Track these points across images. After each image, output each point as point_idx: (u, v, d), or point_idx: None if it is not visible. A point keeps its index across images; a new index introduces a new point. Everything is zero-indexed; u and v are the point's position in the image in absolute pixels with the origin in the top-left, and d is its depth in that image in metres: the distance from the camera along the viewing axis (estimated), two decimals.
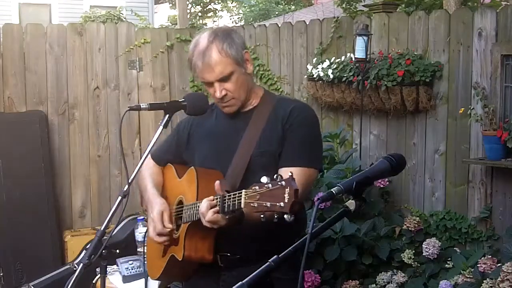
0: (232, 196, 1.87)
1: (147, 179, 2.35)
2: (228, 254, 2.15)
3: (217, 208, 1.93)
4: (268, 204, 1.70)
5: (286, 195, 1.67)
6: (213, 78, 2.12)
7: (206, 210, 1.94)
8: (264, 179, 1.72)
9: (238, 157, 2.14)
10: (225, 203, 1.90)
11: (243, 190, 1.80)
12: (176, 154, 2.38)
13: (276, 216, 1.69)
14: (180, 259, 2.12)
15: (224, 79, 2.13)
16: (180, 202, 2.22)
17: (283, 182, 1.69)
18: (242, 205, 1.78)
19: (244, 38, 5.22)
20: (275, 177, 1.72)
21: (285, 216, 1.66)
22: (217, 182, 1.97)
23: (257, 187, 1.73)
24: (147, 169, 2.39)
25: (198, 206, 2.01)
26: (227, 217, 1.92)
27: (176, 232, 2.20)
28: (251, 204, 1.74)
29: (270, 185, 1.71)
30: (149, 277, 2.44)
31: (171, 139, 2.43)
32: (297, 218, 2.08)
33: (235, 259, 2.15)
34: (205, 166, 2.20)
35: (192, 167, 2.20)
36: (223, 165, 2.16)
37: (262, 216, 1.72)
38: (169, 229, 2.17)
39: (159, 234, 2.17)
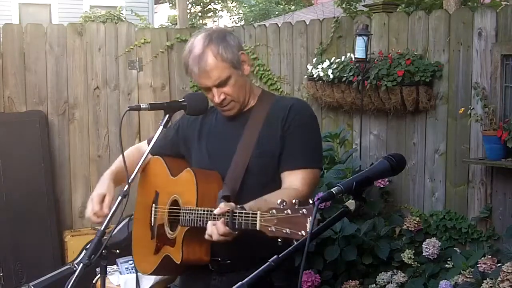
0: (244, 214, 1.82)
1: (119, 160, 2.30)
2: (219, 259, 2.13)
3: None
4: (288, 230, 1.67)
5: (308, 224, 1.64)
6: (211, 83, 2.09)
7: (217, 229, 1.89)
8: (280, 201, 1.69)
9: (237, 159, 2.11)
10: (235, 219, 1.84)
11: (259, 212, 1.76)
12: (169, 148, 2.33)
13: (295, 242, 1.65)
14: (178, 262, 2.10)
15: (221, 84, 2.09)
16: (175, 202, 2.19)
17: (305, 210, 1.66)
18: (258, 228, 1.75)
19: (244, 38, 5.26)
20: (294, 202, 1.68)
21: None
22: (222, 204, 1.91)
23: (274, 211, 1.70)
24: (132, 153, 2.37)
25: (201, 214, 1.99)
26: (236, 233, 1.87)
27: (172, 233, 2.17)
28: (269, 229, 1.71)
29: (289, 210, 1.68)
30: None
31: (168, 135, 2.35)
32: None
33: (226, 264, 2.12)
34: (203, 168, 2.17)
35: (189, 168, 2.16)
36: (222, 167, 2.13)
37: (279, 240, 1.70)
38: (104, 214, 2.15)
39: (96, 215, 2.18)
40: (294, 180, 2.06)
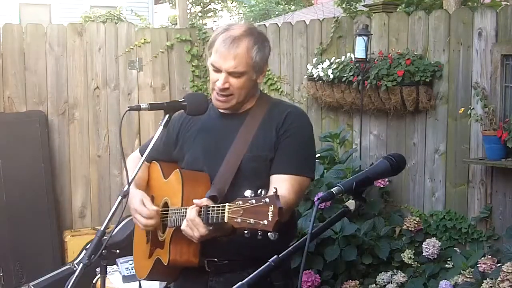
0: (216, 208, 1.84)
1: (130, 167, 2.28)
2: (216, 260, 2.12)
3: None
4: (252, 220, 1.68)
5: (270, 213, 1.65)
6: (226, 67, 2.08)
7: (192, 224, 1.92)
8: (248, 193, 1.70)
9: (228, 160, 2.10)
10: (208, 214, 1.87)
11: (227, 204, 1.77)
12: (163, 152, 2.31)
13: (260, 233, 1.67)
14: (165, 263, 2.09)
15: (233, 74, 2.09)
16: (166, 205, 2.19)
17: (267, 199, 1.66)
18: (226, 220, 1.76)
19: None
20: (259, 192, 1.69)
21: (269, 234, 1.65)
22: (198, 200, 1.94)
23: (240, 202, 1.71)
24: (131, 162, 2.35)
25: (184, 212, 1.99)
26: (210, 228, 1.89)
27: (162, 235, 2.17)
28: (235, 220, 1.71)
29: (253, 200, 1.68)
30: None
31: (159, 137, 2.33)
32: (288, 225, 2.08)
33: (222, 265, 2.12)
34: (195, 168, 2.16)
35: (178, 169, 2.16)
36: (213, 167, 2.12)
37: (246, 232, 1.70)
38: (154, 210, 2.14)
39: (148, 217, 2.14)
40: (281, 186, 2.02)
